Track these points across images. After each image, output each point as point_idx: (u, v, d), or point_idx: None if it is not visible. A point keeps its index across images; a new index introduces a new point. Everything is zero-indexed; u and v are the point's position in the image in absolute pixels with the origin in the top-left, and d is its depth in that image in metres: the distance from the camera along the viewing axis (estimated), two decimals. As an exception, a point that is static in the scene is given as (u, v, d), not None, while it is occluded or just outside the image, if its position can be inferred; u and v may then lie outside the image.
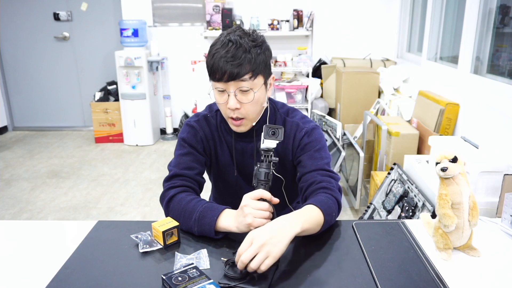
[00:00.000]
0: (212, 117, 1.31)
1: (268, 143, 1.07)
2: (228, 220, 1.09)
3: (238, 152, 1.30)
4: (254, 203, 1.03)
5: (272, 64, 4.68)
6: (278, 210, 1.44)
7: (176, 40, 4.63)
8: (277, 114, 1.30)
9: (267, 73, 1.19)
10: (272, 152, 1.08)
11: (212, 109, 1.34)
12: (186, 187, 1.21)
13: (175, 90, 4.83)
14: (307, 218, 1.03)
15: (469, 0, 2.60)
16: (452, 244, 1.05)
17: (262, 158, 1.07)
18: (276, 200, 1.07)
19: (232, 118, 1.19)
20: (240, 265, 0.91)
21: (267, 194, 1.04)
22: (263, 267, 0.89)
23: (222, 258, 1.01)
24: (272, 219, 1.05)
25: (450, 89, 2.75)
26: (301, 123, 1.28)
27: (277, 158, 1.08)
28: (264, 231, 0.93)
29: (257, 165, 1.07)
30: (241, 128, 1.22)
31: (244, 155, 1.30)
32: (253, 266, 0.89)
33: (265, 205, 1.04)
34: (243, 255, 0.90)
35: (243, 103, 1.15)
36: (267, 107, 1.27)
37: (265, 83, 1.19)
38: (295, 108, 1.34)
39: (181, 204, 1.15)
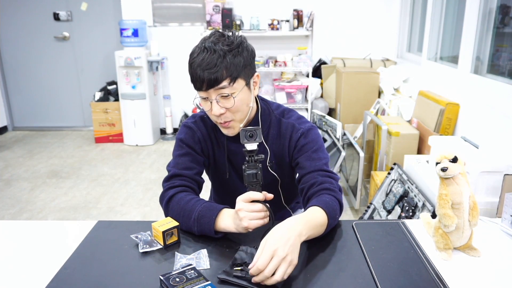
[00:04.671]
0: (208, 118, 1.31)
1: (249, 147, 1.05)
2: (226, 221, 1.09)
3: (232, 153, 1.30)
4: (247, 206, 1.03)
5: (272, 64, 4.63)
6: (275, 210, 1.44)
7: (176, 40, 4.63)
8: (271, 115, 1.29)
9: (248, 74, 1.16)
10: (255, 152, 1.07)
11: None
12: (185, 187, 1.22)
13: (175, 90, 4.83)
14: (313, 222, 1.03)
15: (469, 0, 2.60)
16: (452, 244, 1.05)
17: (246, 159, 1.06)
18: (270, 196, 1.07)
19: (221, 123, 1.19)
20: (261, 277, 0.89)
21: (258, 195, 1.04)
22: (286, 276, 0.90)
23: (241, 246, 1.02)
24: (269, 216, 1.05)
25: (450, 89, 2.75)
26: (297, 124, 1.26)
27: (263, 155, 1.07)
28: (281, 242, 0.91)
29: (244, 166, 1.06)
30: (231, 131, 1.21)
31: (237, 156, 1.30)
32: (278, 278, 0.88)
33: (259, 206, 1.04)
34: (266, 269, 0.88)
35: (227, 107, 1.15)
36: (258, 107, 1.27)
37: (248, 84, 1.17)
38: (291, 109, 1.33)
39: (180, 204, 1.16)
